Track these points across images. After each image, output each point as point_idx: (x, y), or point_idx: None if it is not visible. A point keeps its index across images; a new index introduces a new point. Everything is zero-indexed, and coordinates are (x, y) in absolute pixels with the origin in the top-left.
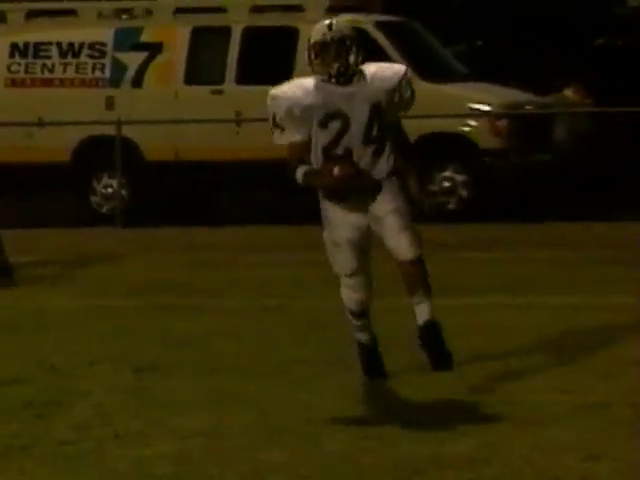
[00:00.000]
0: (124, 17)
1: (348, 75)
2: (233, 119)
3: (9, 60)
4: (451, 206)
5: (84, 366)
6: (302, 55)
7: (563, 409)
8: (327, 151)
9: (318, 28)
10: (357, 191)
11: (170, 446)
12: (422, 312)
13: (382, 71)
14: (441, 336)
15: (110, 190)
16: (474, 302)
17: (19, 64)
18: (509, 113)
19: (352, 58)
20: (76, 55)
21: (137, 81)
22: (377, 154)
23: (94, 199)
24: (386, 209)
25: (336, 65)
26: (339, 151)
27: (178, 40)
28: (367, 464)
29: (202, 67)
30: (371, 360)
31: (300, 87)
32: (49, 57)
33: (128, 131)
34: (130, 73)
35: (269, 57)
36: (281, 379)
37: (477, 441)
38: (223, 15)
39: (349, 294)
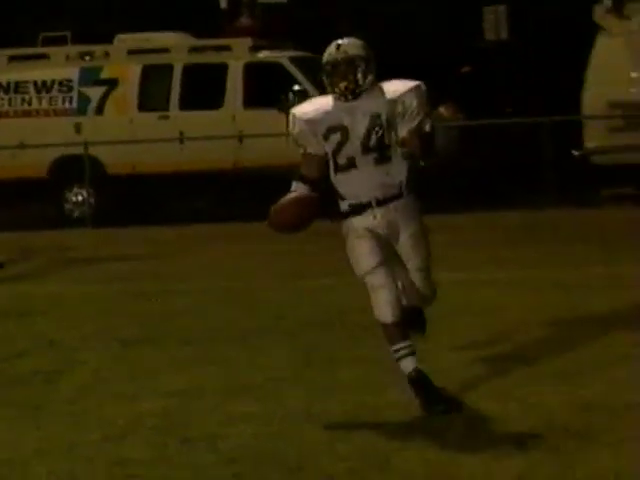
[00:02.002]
0: (87, 59)
1: (357, 93)
2: (177, 138)
3: None
4: None
5: (78, 340)
6: (231, 84)
7: (469, 362)
8: (333, 160)
9: (328, 49)
10: (378, 204)
11: (157, 403)
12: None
13: (391, 84)
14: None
15: (80, 198)
16: None
17: (3, 99)
18: None
19: (360, 77)
20: (49, 90)
21: (99, 110)
22: (379, 162)
23: (67, 206)
24: (412, 263)
25: (343, 84)
26: (342, 160)
27: (131, 76)
28: (318, 412)
29: (151, 97)
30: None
31: (314, 105)
32: (27, 92)
33: (93, 150)
34: (93, 104)
35: (205, 87)
36: (242, 346)
37: (405, 390)
38: (167, 55)
39: (379, 297)
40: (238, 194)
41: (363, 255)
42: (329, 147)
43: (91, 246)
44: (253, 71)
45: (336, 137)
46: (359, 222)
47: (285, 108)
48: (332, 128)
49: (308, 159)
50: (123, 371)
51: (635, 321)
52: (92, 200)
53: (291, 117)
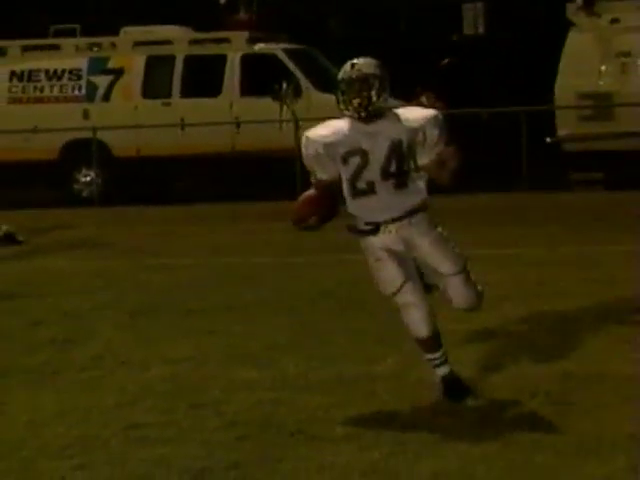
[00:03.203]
0: (95, 49)
1: (371, 112)
2: (178, 124)
3: (9, 84)
4: None
5: (89, 311)
6: (229, 74)
7: (451, 336)
8: (351, 185)
9: (343, 68)
10: (393, 221)
11: (165, 369)
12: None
13: (409, 112)
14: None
15: (88, 179)
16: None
17: (17, 86)
18: None
19: (374, 95)
20: (60, 79)
21: (106, 97)
22: (398, 187)
23: (76, 186)
24: (443, 268)
25: (357, 101)
26: (361, 185)
27: (136, 66)
28: (315, 380)
29: (154, 85)
30: (459, 387)
31: (329, 127)
32: (39, 80)
33: (101, 135)
34: (101, 91)
35: (204, 77)
36: (242, 318)
37: (397, 360)
38: (169, 46)
39: (411, 315)
40: (235, 176)
41: (387, 277)
42: (347, 171)
43: (98, 224)
44: (249, 62)
45: (355, 161)
46: (376, 239)
47: (279, 97)
48: (351, 152)
49: (320, 185)
50: (132, 340)
51: (604, 296)
52: (99, 181)
53: (305, 140)
